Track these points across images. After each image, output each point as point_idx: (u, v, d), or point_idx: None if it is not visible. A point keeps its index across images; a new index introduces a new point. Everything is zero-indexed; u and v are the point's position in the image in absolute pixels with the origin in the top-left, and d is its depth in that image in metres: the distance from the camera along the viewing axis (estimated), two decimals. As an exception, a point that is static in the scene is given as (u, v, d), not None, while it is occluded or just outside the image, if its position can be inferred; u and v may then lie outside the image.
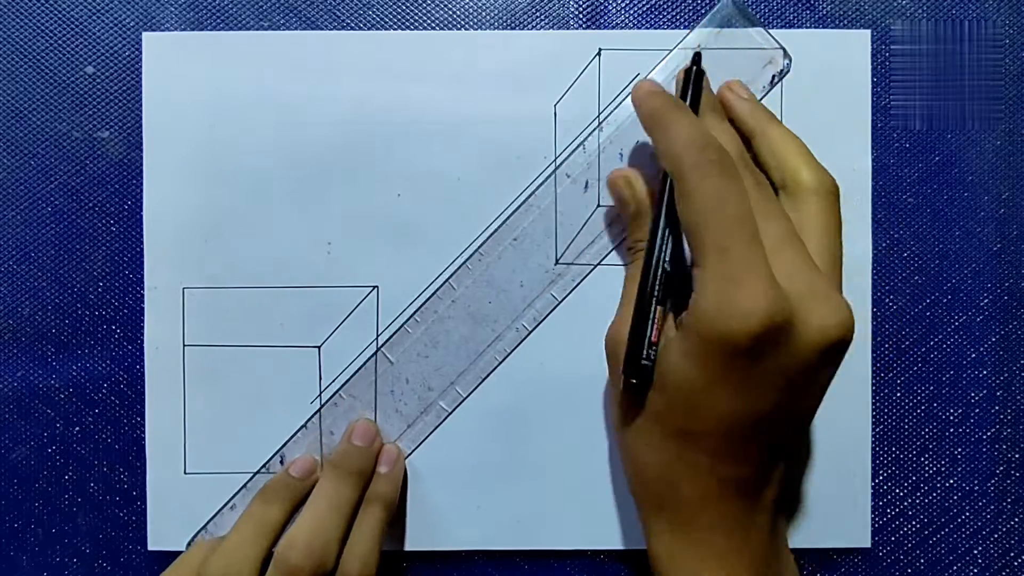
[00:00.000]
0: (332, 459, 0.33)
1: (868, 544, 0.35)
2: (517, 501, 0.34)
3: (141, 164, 0.34)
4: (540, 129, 0.34)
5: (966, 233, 0.35)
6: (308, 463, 0.33)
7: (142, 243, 0.34)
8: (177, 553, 0.34)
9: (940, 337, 0.35)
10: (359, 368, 0.34)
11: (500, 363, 0.34)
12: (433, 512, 0.34)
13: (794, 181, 0.30)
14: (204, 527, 0.34)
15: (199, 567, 0.31)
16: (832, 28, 0.35)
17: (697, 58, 0.31)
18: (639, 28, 0.35)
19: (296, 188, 0.34)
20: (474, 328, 0.34)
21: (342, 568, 0.31)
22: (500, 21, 0.35)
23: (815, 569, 0.35)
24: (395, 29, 0.35)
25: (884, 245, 0.35)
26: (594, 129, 0.34)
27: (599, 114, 0.34)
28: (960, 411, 0.35)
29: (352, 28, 0.35)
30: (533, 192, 0.34)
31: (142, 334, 0.34)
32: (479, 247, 0.34)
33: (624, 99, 0.34)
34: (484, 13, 0.35)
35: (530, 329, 0.34)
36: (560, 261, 0.34)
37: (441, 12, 0.35)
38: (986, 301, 0.35)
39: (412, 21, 0.35)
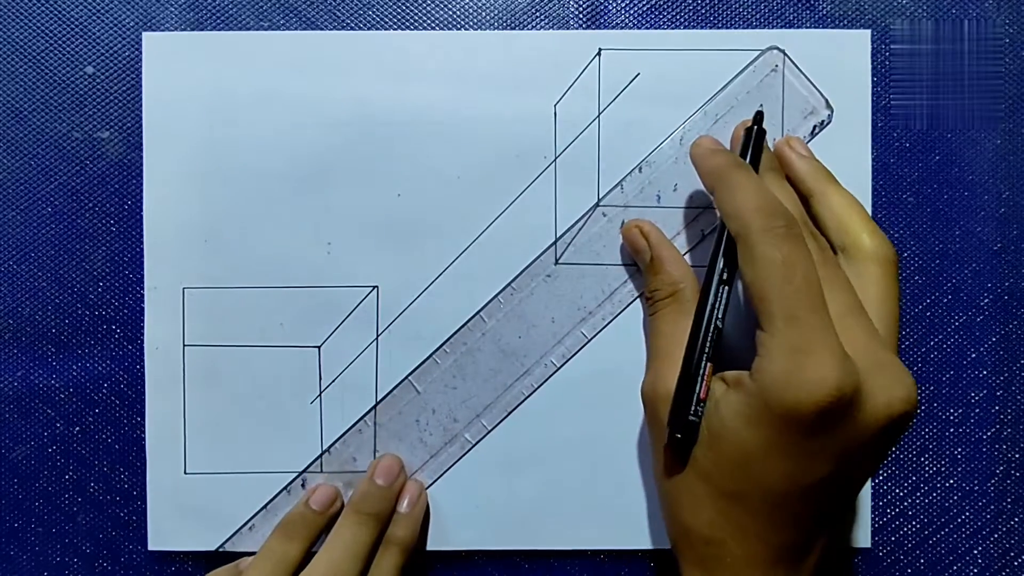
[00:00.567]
0: (353, 501, 0.33)
1: (868, 544, 0.35)
2: (517, 501, 0.34)
3: (141, 164, 0.34)
4: (540, 129, 0.34)
5: (966, 233, 0.35)
6: (328, 495, 0.33)
7: (142, 243, 0.34)
8: (177, 553, 0.34)
9: (940, 337, 0.35)
10: (386, 396, 0.34)
11: (527, 398, 0.34)
12: (433, 512, 0.34)
13: (855, 247, 0.30)
14: (221, 545, 0.34)
15: None
16: (832, 28, 0.35)
17: (759, 117, 0.31)
18: (639, 28, 0.35)
19: (296, 188, 0.34)
20: (503, 361, 0.34)
21: None
22: (500, 21, 0.35)
23: (815, 569, 0.35)
24: (395, 29, 0.35)
25: (884, 245, 0.35)
26: (632, 169, 0.34)
27: (599, 114, 0.34)
28: (960, 411, 0.35)
29: (352, 28, 0.35)
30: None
31: (142, 334, 0.34)
32: (511, 281, 0.34)
33: (623, 99, 0.34)
34: (484, 13, 0.35)
35: (558, 365, 0.34)
36: (560, 261, 0.34)
37: (441, 12, 0.35)
38: (986, 301, 0.35)
39: (412, 21, 0.35)
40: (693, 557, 0.29)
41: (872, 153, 0.35)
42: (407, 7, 0.35)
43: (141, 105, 0.34)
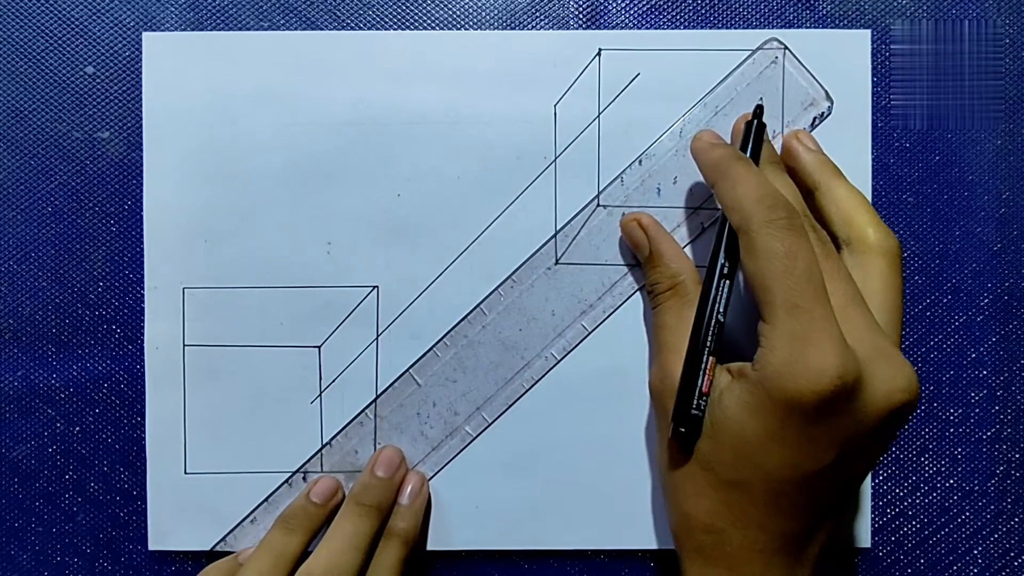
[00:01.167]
0: (353, 492, 0.33)
1: (868, 544, 0.35)
2: (517, 501, 0.34)
3: (141, 164, 0.34)
4: (540, 129, 0.34)
5: (966, 233, 0.35)
6: (329, 487, 0.33)
7: (142, 243, 0.34)
8: (177, 553, 0.34)
9: (940, 337, 0.35)
10: (387, 388, 0.34)
11: (527, 391, 0.34)
12: (434, 511, 0.34)
13: (860, 240, 0.30)
14: (223, 539, 0.34)
15: None
16: (832, 28, 0.35)
17: (759, 111, 0.31)
18: (639, 28, 0.35)
19: (296, 188, 0.34)
20: (503, 354, 0.34)
21: None
22: (500, 21, 0.35)
23: (815, 569, 0.35)
24: (395, 29, 0.35)
25: (884, 245, 0.35)
26: (632, 162, 0.34)
27: (599, 114, 0.34)
28: (960, 411, 0.35)
29: (352, 28, 0.35)
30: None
31: (142, 334, 0.34)
32: (511, 274, 0.34)
33: (623, 99, 0.34)
34: (484, 13, 0.35)
35: (559, 358, 0.34)
36: (560, 260, 0.34)
37: (441, 12, 0.35)
38: (986, 301, 0.35)
39: (412, 21, 0.35)
40: (693, 547, 0.29)
41: (872, 153, 0.35)
42: (407, 7, 0.35)
43: (141, 105, 0.34)
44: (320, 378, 0.34)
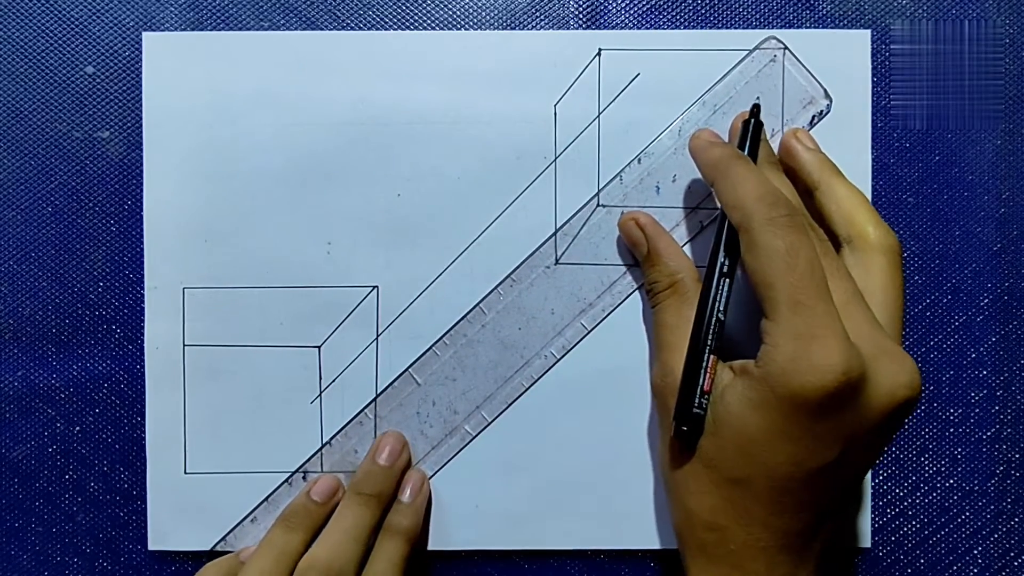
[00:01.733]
0: (354, 481, 0.33)
1: (868, 544, 0.35)
2: (517, 501, 0.34)
3: (141, 164, 0.34)
4: (540, 129, 0.34)
5: (966, 233, 0.35)
6: (330, 485, 0.33)
7: (142, 243, 0.34)
8: (177, 553, 0.34)
9: (940, 337, 0.35)
10: (387, 388, 0.34)
11: (527, 390, 0.34)
12: (434, 511, 0.34)
13: (861, 238, 0.30)
14: (223, 538, 0.34)
15: None
16: (832, 28, 0.35)
17: (756, 110, 0.31)
18: (639, 28, 0.35)
19: (296, 188, 0.34)
20: (502, 353, 0.34)
21: None
22: (500, 21, 0.35)
23: (815, 569, 0.35)
24: (395, 29, 0.35)
25: (884, 245, 0.35)
26: (631, 160, 0.34)
27: (599, 114, 0.34)
28: (960, 411, 0.35)
29: (352, 28, 0.35)
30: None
31: (142, 334, 0.34)
32: (511, 273, 0.34)
33: (623, 98, 0.34)
34: (484, 13, 0.35)
35: (558, 357, 0.34)
36: (560, 259, 0.34)
37: (441, 12, 0.35)
38: (986, 301, 0.35)
39: (412, 21, 0.35)
40: (696, 544, 0.29)
41: (872, 153, 0.35)
42: (407, 7, 0.35)
43: (141, 105, 0.34)
44: (320, 378, 0.34)
